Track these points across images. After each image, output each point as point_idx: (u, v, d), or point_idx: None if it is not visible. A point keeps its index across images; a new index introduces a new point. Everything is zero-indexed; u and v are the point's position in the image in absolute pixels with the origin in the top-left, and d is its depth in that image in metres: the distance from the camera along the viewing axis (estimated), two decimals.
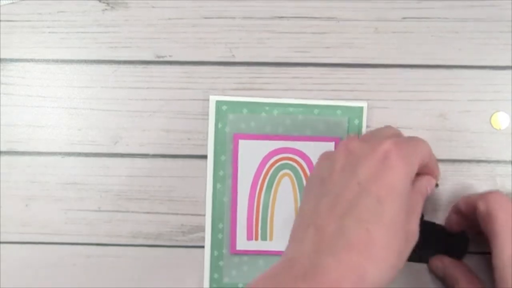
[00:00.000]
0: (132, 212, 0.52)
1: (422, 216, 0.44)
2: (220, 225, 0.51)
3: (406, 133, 0.51)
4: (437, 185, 0.48)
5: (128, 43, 0.52)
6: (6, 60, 0.52)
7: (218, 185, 0.51)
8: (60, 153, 0.52)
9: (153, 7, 0.52)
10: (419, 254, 0.44)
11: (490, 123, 0.51)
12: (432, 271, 0.49)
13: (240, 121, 0.51)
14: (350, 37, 0.52)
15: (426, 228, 0.47)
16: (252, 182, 0.51)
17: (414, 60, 0.51)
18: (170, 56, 0.52)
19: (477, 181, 0.51)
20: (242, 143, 0.51)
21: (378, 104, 0.51)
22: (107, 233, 0.52)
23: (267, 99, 0.51)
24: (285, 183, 0.51)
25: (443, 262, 0.48)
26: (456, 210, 0.47)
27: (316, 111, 0.51)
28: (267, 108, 0.51)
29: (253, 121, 0.51)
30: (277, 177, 0.51)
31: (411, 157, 0.40)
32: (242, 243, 0.51)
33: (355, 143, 0.42)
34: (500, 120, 0.51)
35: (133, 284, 0.52)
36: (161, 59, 0.52)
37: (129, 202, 0.52)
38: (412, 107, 0.51)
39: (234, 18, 0.52)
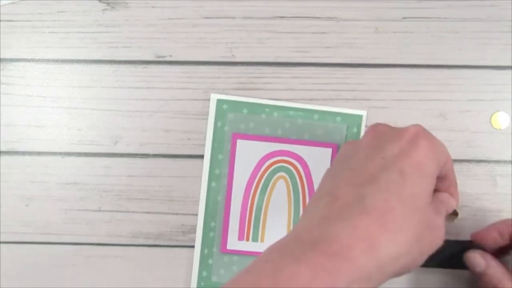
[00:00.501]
0: (132, 212, 0.52)
1: None
2: (212, 224, 0.51)
3: None
4: (457, 214, 0.46)
5: (128, 43, 0.52)
6: (6, 60, 0.52)
7: (213, 184, 0.51)
8: (60, 153, 0.52)
9: (153, 7, 0.52)
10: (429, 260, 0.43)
11: (490, 123, 0.51)
12: (469, 266, 0.46)
13: (239, 121, 0.51)
14: (350, 37, 0.52)
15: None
16: (248, 183, 0.51)
17: (414, 60, 0.51)
18: (170, 56, 0.52)
19: (477, 181, 0.51)
20: (240, 143, 0.51)
21: (378, 104, 0.51)
22: (107, 233, 0.52)
23: (268, 100, 0.51)
24: (280, 186, 0.51)
25: (486, 260, 0.46)
26: (500, 229, 0.46)
27: (316, 116, 0.51)
28: (267, 109, 0.51)
29: (253, 122, 0.51)
30: (273, 179, 0.51)
31: (438, 148, 0.40)
32: (233, 243, 0.51)
33: (383, 125, 0.41)
34: (500, 120, 0.51)
35: (133, 284, 0.52)
36: (161, 59, 0.52)
37: (129, 202, 0.52)
38: (412, 107, 0.51)
39: (234, 18, 0.52)
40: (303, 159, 0.51)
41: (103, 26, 0.52)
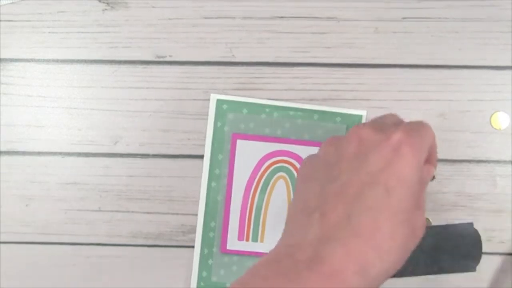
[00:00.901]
0: (132, 212, 0.52)
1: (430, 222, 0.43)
2: (212, 224, 0.51)
3: None
4: (433, 177, 0.45)
5: (128, 43, 0.52)
6: (6, 60, 0.52)
7: (213, 184, 0.51)
8: (60, 153, 0.52)
9: (153, 7, 0.52)
10: (434, 266, 0.43)
11: (490, 123, 0.51)
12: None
13: (239, 121, 0.51)
14: (350, 37, 0.52)
15: (436, 233, 0.46)
16: (247, 183, 0.51)
17: (414, 60, 0.51)
18: (170, 56, 0.52)
19: (477, 181, 0.51)
20: (240, 143, 0.51)
21: (378, 104, 0.51)
22: (107, 233, 0.52)
23: (268, 100, 0.51)
24: (280, 186, 0.51)
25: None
26: None
27: (315, 116, 0.51)
28: (267, 109, 0.51)
29: (253, 122, 0.51)
30: (273, 179, 0.51)
31: (421, 147, 0.39)
32: (233, 243, 0.51)
33: (366, 130, 0.40)
34: (500, 120, 0.51)
35: (133, 284, 0.52)
36: (161, 59, 0.52)
37: (129, 202, 0.52)
38: (412, 107, 0.51)
39: (234, 18, 0.52)
40: (302, 159, 0.51)
41: (103, 26, 0.52)
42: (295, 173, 0.51)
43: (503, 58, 0.51)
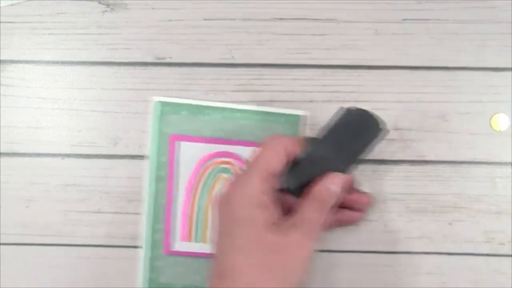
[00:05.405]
0: (132, 213, 0.52)
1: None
2: (158, 226, 0.51)
3: (406, 135, 0.51)
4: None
5: (128, 45, 0.52)
6: (6, 61, 0.53)
7: (159, 185, 0.51)
8: (60, 155, 0.52)
9: (153, 8, 0.52)
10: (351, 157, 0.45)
11: (490, 125, 0.51)
12: None
13: (179, 123, 0.51)
14: (350, 39, 0.52)
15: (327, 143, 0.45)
16: (188, 184, 0.51)
17: (414, 61, 0.51)
18: (170, 57, 0.52)
19: (477, 183, 0.51)
20: (179, 144, 0.51)
21: (378, 105, 0.51)
22: (107, 234, 0.52)
23: (208, 102, 0.51)
24: (221, 187, 0.51)
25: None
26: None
27: (258, 117, 0.51)
28: (207, 111, 0.51)
29: (192, 124, 0.51)
30: (213, 180, 0.51)
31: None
32: (177, 244, 0.51)
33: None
34: (500, 121, 0.51)
35: (133, 285, 0.52)
36: (161, 61, 0.52)
37: (129, 203, 0.52)
38: (412, 109, 0.51)
39: (234, 19, 0.52)
40: (243, 160, 0.51)
41: (103, 27, 0.52)
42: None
43: (503, 60, 0.51)
